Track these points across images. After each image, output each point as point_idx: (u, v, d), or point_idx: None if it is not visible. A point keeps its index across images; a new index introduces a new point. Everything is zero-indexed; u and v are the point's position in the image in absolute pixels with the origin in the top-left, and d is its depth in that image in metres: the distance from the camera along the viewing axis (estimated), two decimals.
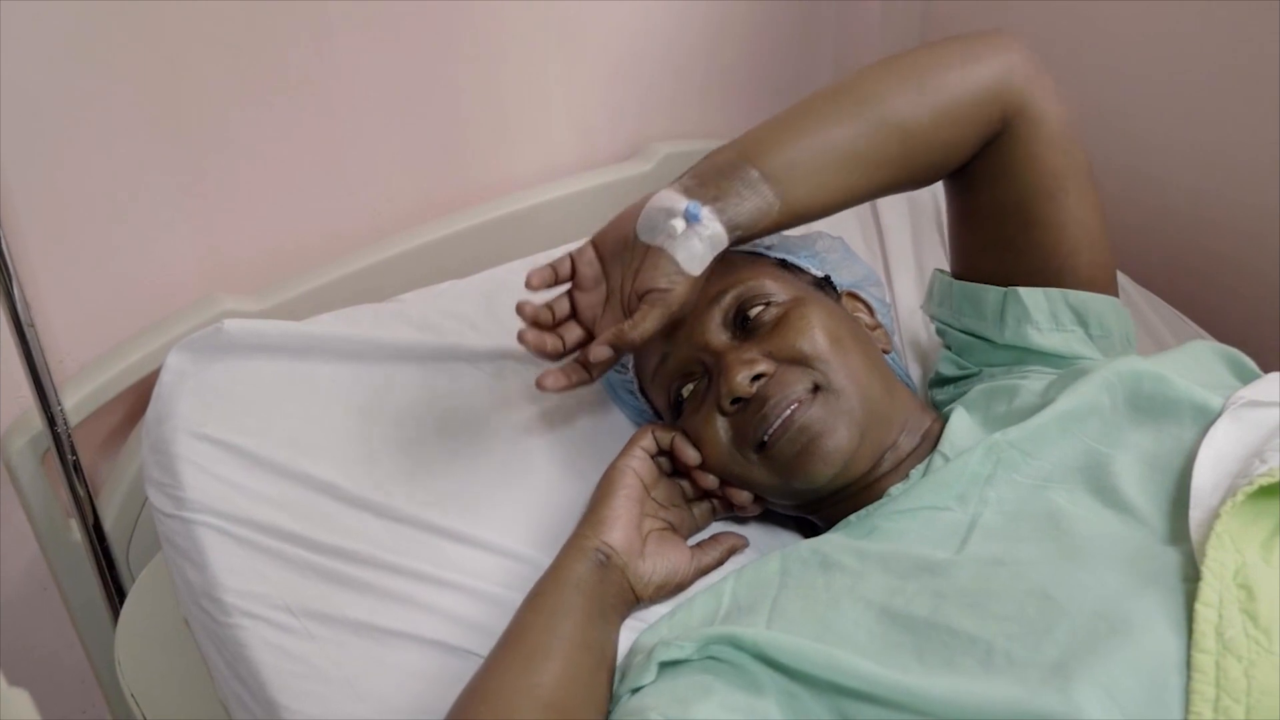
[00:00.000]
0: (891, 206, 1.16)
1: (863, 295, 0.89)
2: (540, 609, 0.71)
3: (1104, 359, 0.80)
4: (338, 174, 1.15)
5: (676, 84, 1.34)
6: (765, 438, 0.74)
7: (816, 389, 0.74)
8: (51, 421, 0.99)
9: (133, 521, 1.06)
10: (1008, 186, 0.81)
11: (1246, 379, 0.75)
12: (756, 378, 0.74)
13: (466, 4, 1.13)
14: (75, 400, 1.00)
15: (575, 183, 1.26)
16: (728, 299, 0.79)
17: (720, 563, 0.80)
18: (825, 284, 0.86)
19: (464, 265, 1.08)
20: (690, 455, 0.77)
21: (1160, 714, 0.54)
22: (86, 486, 1.03)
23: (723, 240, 0.72)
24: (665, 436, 0.79)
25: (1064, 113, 0.80)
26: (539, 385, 0.74)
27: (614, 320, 0.74)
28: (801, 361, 0.75)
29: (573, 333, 0.77)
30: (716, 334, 0.78)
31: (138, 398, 1.04)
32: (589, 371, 0.75)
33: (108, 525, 1.06)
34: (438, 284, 1.04)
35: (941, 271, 0.90)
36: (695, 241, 0.71)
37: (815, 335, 0.76)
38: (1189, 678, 0.54)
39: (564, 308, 0.78)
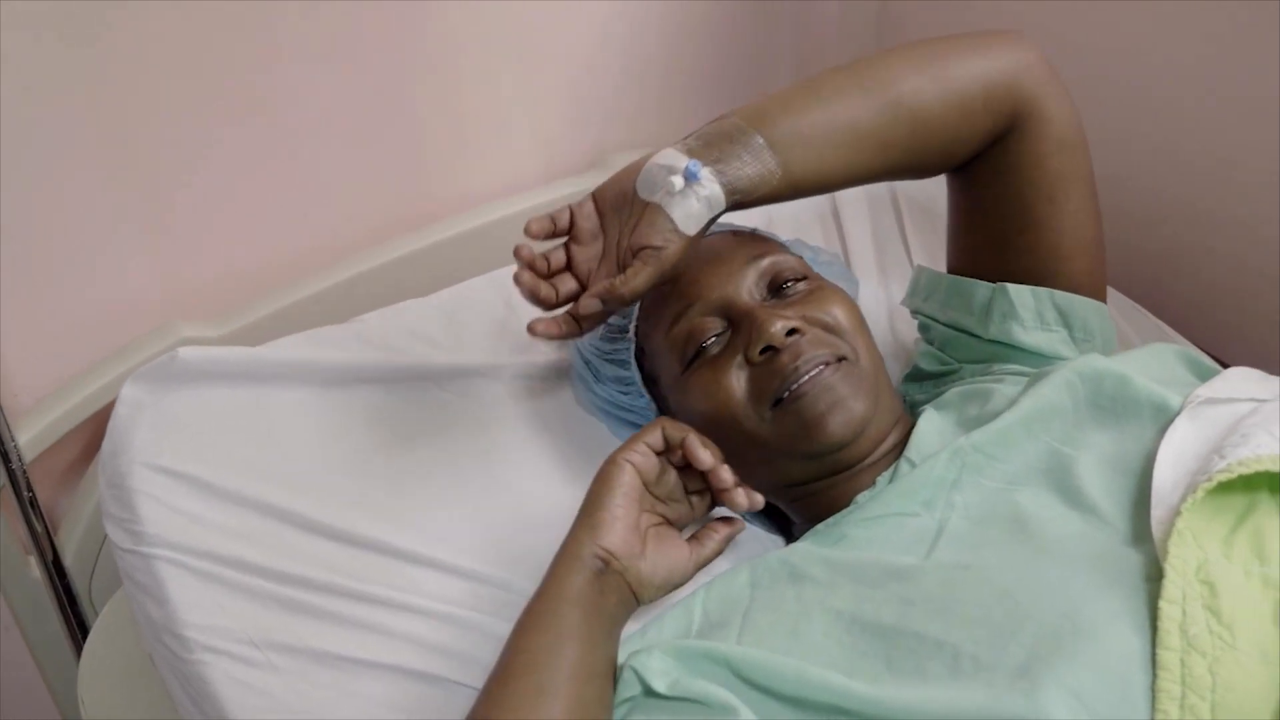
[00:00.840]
0: (853, 215, 1.16)
1: None
2: (540, 632, 0.67)
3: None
4: (295, 195, 1.13)
5: (635, 92, 1.34)
6: (788, 392, 0.74)
7: (841, 360, 0.75)
8: (6, 458, 0.97)
9: (94, 556, 1.05)
10: (1011, 185, 0.81)
11: (1205, 377, 0.76)
12: (791, 332, 0.74)
13: (421, 20, 1.12)
14: (31, 435, 0.99)
15: (535, 196, 1.26)
16: (765, 263, 0.80)
17: (719, 552, 0.76)
18: None
19: (425, 283, 1.07)
20: (705, 458, 0.72)
21: (1127, 713, 0.54)
22: (45, 523, 1.01)
23: (720, 202, 0.72)
24: (677, 434, 0.74)
25: (1074, 118, 0.81)
26: (530, 330, 0.73)
27: (608, 275, 0.73)
28: (831, 330, 0.76)
29: (567, 284, 0.75)
30: (749, 291, 0.79)
31: (95, 430, 1.02)
32: (579, 324, 0.73)
33: (68, 561, 1.04)
34: (398, 303, 1.03)
35: (923, 267, 0.91)
36: (693, 201, 0.71)
37: (843, 311, 0.78)
38: (1154, 676, 0.55)
39: (560, 259, 0.76)
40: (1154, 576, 0.59)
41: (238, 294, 1.11)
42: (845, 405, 0.74)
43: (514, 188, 1.27)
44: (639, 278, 0.70)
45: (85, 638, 1.01)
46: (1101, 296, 0.86)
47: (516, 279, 0.73)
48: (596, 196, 0.76)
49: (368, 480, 0.85)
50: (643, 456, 0.73)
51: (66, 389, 1.02)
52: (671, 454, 0.74)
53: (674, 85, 1.37)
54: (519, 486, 0.87)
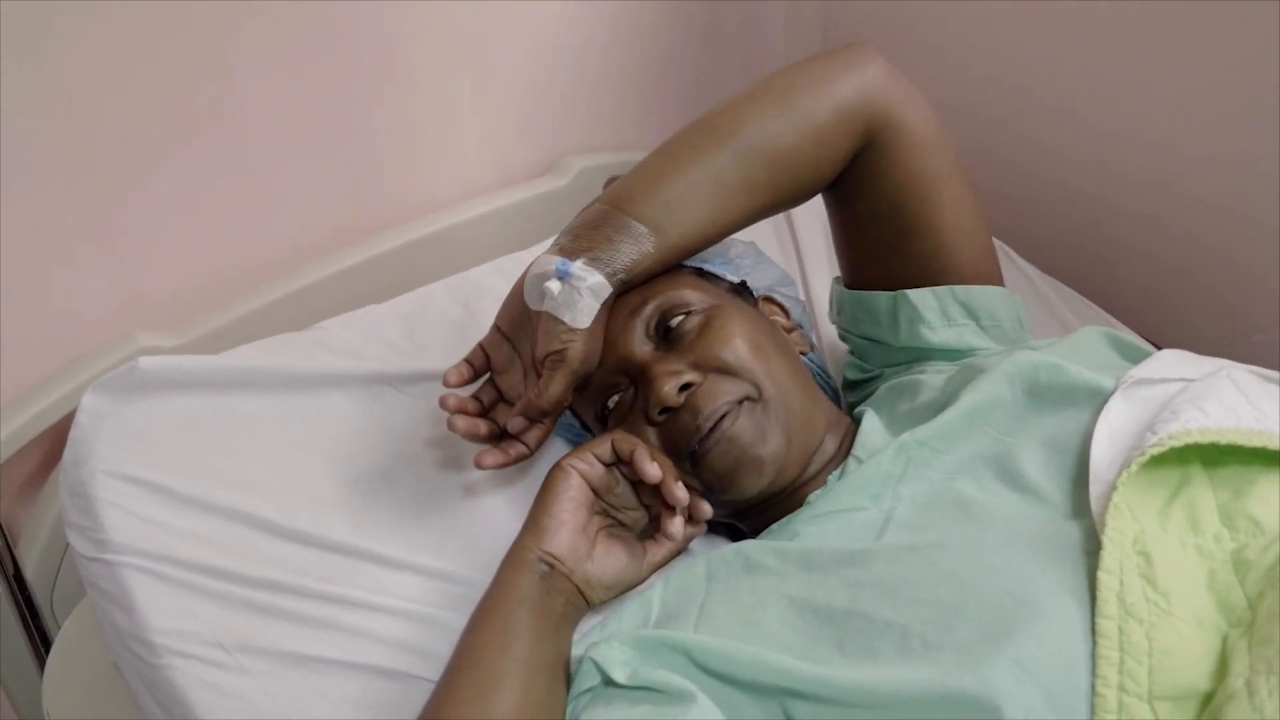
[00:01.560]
0: (803, 207, 1.18)
1: (777, 298, 0.91)
2: (488, 630, 0.69)
3: (1000, 351, 0.82)
4: (252, 204, 1.14)
5: (588, 95, 1.35)
6: (695, 447, 0.74)
7: (743, 400, 0.75)
8: None
9: (55, 568, 1.04)
10: (880, 195, 0.82)
11: (1133, 357, 0.79)
12: (684, 388, 0.75)
13: (372, 27, 1.13)
14: None
15: (491, 201, 1.27)
16: (648, 309, 0.79)
17: (676, 553, 0.78)
18: (742, 289, 0.87)
19: (383, 289, 1.07)
20: (652, 473, 0.73)
21: (1071, 681, 0.56)
22: (5, 535, 1.01)
23: (605, 289, 0.74)
24: (626, 447, 0.75)
25: (927, 117, 0.82)
26: (477, 464, 0.77)
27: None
28: (727, 370, 0.76)
29: (505, 414, 0.80)
30: (640, 345, 0.78)
31: (54, 441, 1.02)
32: (525, 444, 0.78)
33: (29, 573, 1.03)
34: (357, 309, 1.03)
35: (838, 280, 0.92)
36: (576, 296, 0.73)
37: (737, 343, 0.77)
38: (1094, 644, 0.57)
39: (490, 394, 0.81)
40: (1093, 550, 0.60)
41: (195, 303, 1.12)
42: (752, 454, 0.74)
43: (470, 192, 1.28)
44: (552, 385, 0.73)
45: (48, 650, 1.01)
46: (997, 278, 0.87)
47: (451, 426, 0.77)
48: (499, 323, 0.80)
49: (331, 484, 0.86)
50: (589, 466, 0.75)
51: (24, 401, 1.01)
52: (623, 465, 0.76)
53: (625, 88, 1.38)
54: (481, 486, 0.88)
